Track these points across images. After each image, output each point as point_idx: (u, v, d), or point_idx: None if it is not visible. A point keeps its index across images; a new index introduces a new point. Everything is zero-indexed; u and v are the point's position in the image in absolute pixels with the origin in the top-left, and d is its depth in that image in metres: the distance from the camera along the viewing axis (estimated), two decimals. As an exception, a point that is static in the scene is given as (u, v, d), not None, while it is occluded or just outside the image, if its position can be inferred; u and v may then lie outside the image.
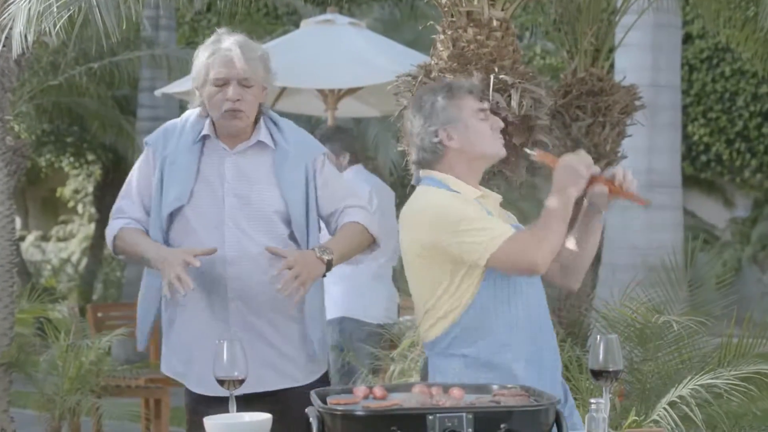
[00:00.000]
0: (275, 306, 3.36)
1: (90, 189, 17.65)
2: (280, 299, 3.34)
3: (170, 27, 13.27)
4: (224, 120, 3.34)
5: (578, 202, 3.12)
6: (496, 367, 3.07)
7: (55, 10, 4.30)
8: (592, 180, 3.08)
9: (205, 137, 3.39)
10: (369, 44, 7.58)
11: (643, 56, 8.49)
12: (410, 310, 6.24)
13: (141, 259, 3.37)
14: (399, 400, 2.66)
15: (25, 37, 4.41)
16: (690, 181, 14.13)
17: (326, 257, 3.30)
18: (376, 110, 8.72)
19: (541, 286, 3.20)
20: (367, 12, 13.70)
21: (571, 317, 5.55)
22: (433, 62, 4.83)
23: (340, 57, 7.32)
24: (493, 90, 4.54)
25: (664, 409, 4.07)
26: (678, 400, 4.09)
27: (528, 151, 3.22)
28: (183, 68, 10.13)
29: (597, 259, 8.24)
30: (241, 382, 2.76)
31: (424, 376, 3.22)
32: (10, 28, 4.54)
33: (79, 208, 18.30)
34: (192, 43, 15.08)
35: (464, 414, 2.50)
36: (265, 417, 2.65)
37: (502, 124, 3.25)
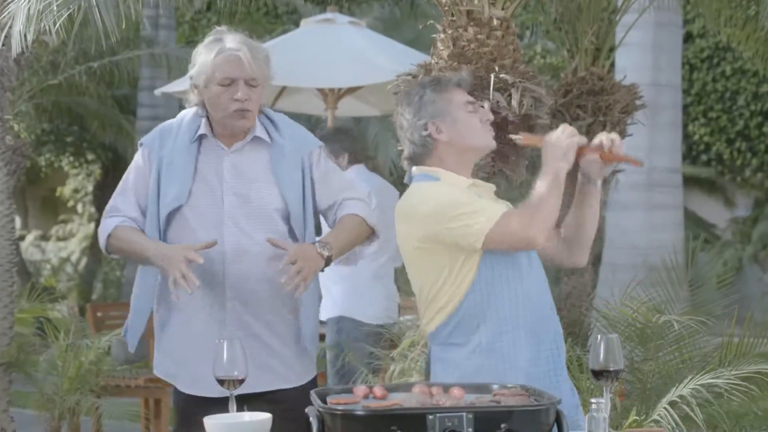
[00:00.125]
0: (273, 305, 3.36)
1: (90, 188, 17.65)
2: (278, 298, 3.35)
3: (170, 26, 13.27)
4: (232, 120, 3.33)
5: (573, 176, 3.13)
6: (496, 352, 3.08)
7: (54, 8, 4.30)
8: (581, 151, 3.08)
9: (201, 136, 3.38)
10: (369, 43, 7.57)
11: (643, 55, 8.49)
12: (410, 309, 6.24)
13: (138, 257, 3.36)
14: (399, 400, 2.65)
15: (25, 36, 4.40)
16: (690, 181, 14.12)
17: (326, 253, 3.31)
18: (376, 109, 8.72)
19: (541, 268, 3.20)
20: (367, 11, 13.70)
21: (571, 317, 5.54)
22: (433, 61, 4.82)
23: (340, 56, 7.31)
24: (493, 89, 4.53)
25: (665, 408, 4.06)
26: (679, 400, 4.08)
27: (513, 137, 3.23)
28: (183, 67, 10.12)
29: (597, 259, 8.24)
30: (241, 381, 2.76)
31: (428, 370, 3.23)
32: (10, 27, 4.54)
33: (79, 207, 18.29)
34: (192, 42, 15.07)
35: (464, 414, 2.50)
36: (265, 417, 2.65)
37: (491, 117, 3.27)
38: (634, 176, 8.09)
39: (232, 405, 2.75)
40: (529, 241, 3.03)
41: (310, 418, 2.59)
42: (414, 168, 3.24)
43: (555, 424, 2.60)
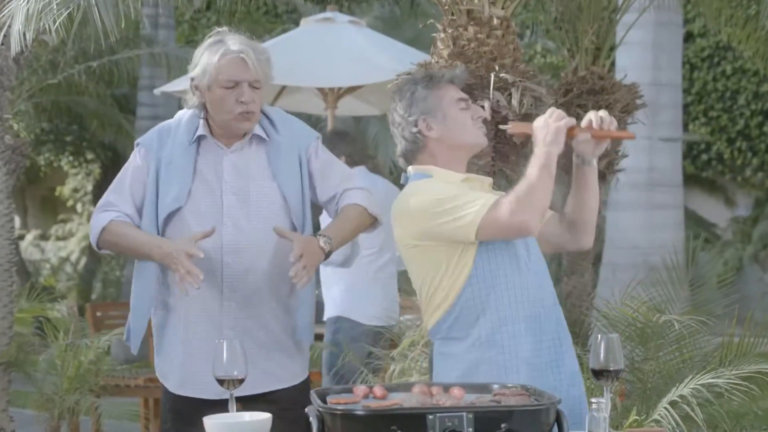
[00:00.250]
0: (269, 304, 3.36)
1: (89, 188, 17.64)
2: (275, 297, 3.35)
3: (169, 25, 13.25)
4: (236, 122, 3.32)
5: (568, 156, 3.12)
6: (496, 344, 3.07)
7: (54, 8, 4.29)
8: (571, 133, 3.08)
9: (200, 137, 3.37)
10: (369, 42, 7.56)
11: (644, 55, 8.49)
12: (410, 309, 6.23)
13: (135, 252, 3.35)
14: (399, 400, 2.65)
15: (24, 35, 4.39)
16: (691, 180, 14.12)
17: (327, 248, 3.31)
18: (376, 109, 8.71)
19: (541, 259, 3.19)
20: (367, 10, 13.70)
21: (571, 317, 5.53)
22: (433, 60, 4.81)
23: (340, 55, 7.30)
24: (493, 88, 4.53)
25: (665, 408, 4.05)
26: (679, 400, 4.08)
27: (502, 126, 3.22)
28: (182, 67, 10.12)
29: (598, 259, 8.23)
30: (241, 381, 2.75)
31: (431, 366, 3.23)
32: (9, 26, 4.52)
33: (78, 207, 18.29)
34: (191, 41, 15.07)
35: (464, 413, 2.50)
36: (265, 417, 2.64)
37: (483, 114, 3.26)
38: (635, 176, 8.09)
39: (232, 405, 2.75)
40: (520, 227, 3.01)
41: (310, 418, 2.58)
42: (409, 168, 3.24)
43: (555, 424, 2.59)
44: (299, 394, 3.41)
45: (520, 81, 4.60)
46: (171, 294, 3.38)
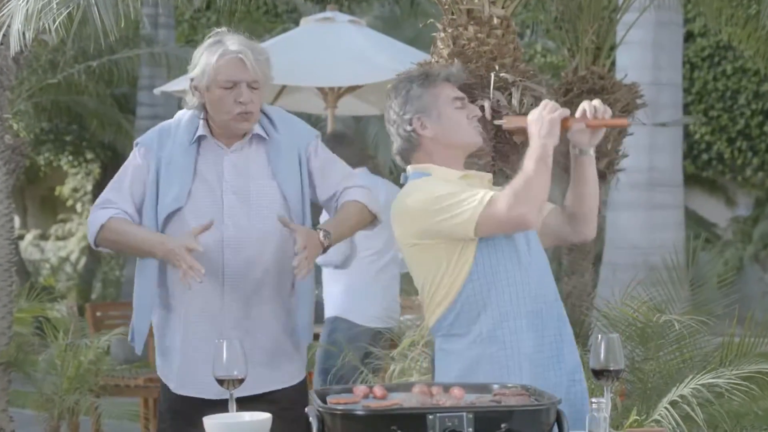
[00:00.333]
0: (270, 304, 3.36)
1: (89, 188, 17.65)
2: (275, 296, 3.35)
3: (169, 25, 13.25)
4: (234, 122, 3.32)
5: (568, 155, 3.12)
6: (498, 340, 3.07)
7: (54, 7, 4.28)
8: (565, 124, 3.07)
9: (200, 137, 3.37)
10: (369, 42, 7.56)
11: (644, 54, 8.49)
12: (410, 309, 6.22)
13: (135, 249, 3.34)
14: (399, 400, 2.64)
15: (24, 34, 4.38)
16: (691, 180, 14.12)
17: (326, 242, 3.31)
18: (376, 108, 8.70)
19: (542, 255, 3.18)
20: (367, 10, 13.70)
21: (572, 316, 5.49)
22: (433, 60, 4.81)
23: (340, 55, 7.30)
24: (493, 88, 4.52)
25: (666, 408, 4.05)
26: (679, 400, 4.07)
27: (497, 122, 3.22)
28: (182, 66, 10.12)
29: (598, 258, 8.23)
30: (241, 381, 2.74)
31: (434, 364, 3.22)
32: (9, 26, 4.52)
33: (78, 206, 18.29)
34: (191, 41, 15.06)
35: (465, 413, 2.49)
36: (265, 416, 2.64)
37: (479, 113, 3.25)
38: (635, 176, 8.08)
39: (232, 405, 2.74)
40: (519, 220, 3.00)
41: (310, 418, 2.58)
42: (408, 167, 3.24)
43: (555, 424, 2.59)
44: (298, 394, 3.41)
45: (520, 81, 4.59)
46: (171, 294, 3.38)
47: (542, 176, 3.01)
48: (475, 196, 3.02)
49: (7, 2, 4.59)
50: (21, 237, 17.90)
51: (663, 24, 8.49)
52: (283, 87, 7.76)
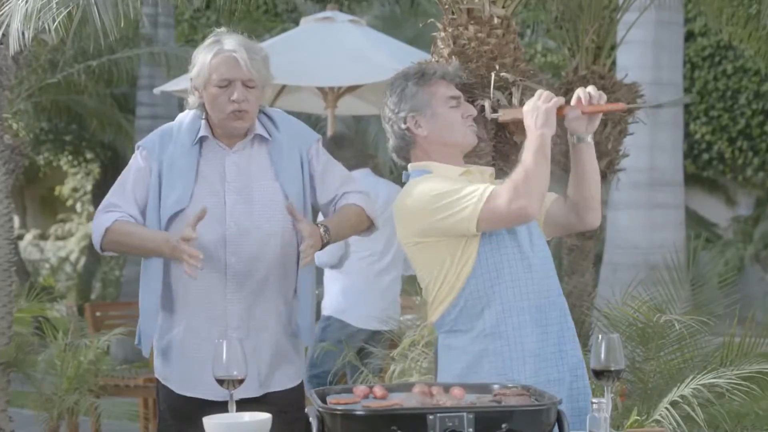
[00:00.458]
0: (273, 305, 3.36)
1: (88, 187, 17.64)
2: (278, 297, 3.35)
3: (169, 24, 13.24)
4: (228, 121, 3.33)
5: (565, 144, 3.12)
6: (501, 335, 3.06)
7: (53, 6, 4.27)
8: (561, 112, 3.07)
9: (202, 138, 3.37)
10: (369, 42, 7.55)
11: (645, 54, 8.48)
12: (410, 309, 6.21)
13: (141, 249, 3.33)
14: (399, 400, 2.64)
15: (23, 34, 4.38)
16: (692, 180, 14.11)
17: (326, 238, 3.30)
18: (376, 108, 8.66)
19: (545, 249, 3.18)
20: (367, 9, 13.69)
21: (572, 316, 5.51)
22: (433, 60, 4.80)
23: (340, 55, 7.29)
24: (494, 88, 4.51)
25: (666, 408, 4.04)
26: (680, 400, 4.06)
27: (492, 115, 3.21)
28: (182, 66, 10.11)
29: (598, 258, 8.21)
30: (241, 381, 2.74)
31: (437, 361, 3.23)
32: (8, 25, 4.51)
33: (78, 206, 18.29)
34: (191, 40, 15.05)
35: (465, 414, 2.49)
36: (265, 417, 2.63)
37: (474, 112, 3.26)
38: (635, 175, 8.08)
39: (232, 405, 2.74)
40: (520, 213, 2.99)
41: (310, 418, 2.57)
42: (409, 165, 3.24)
43: (556, 424, 2.58)
44: (297, 395, 3.41)
45: (520, 80, 4.58)
46: (174, 294, 3.37)
47: (541, 167, 3.01)
48: (475, 192, 3.02)
49: (7, 1, 4.57)
50: (20, 237, 17.91)
51: (663, 23, 8.49)
52: (283, 87, 7.75)
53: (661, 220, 8.49)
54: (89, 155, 16.43)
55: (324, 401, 2.63)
